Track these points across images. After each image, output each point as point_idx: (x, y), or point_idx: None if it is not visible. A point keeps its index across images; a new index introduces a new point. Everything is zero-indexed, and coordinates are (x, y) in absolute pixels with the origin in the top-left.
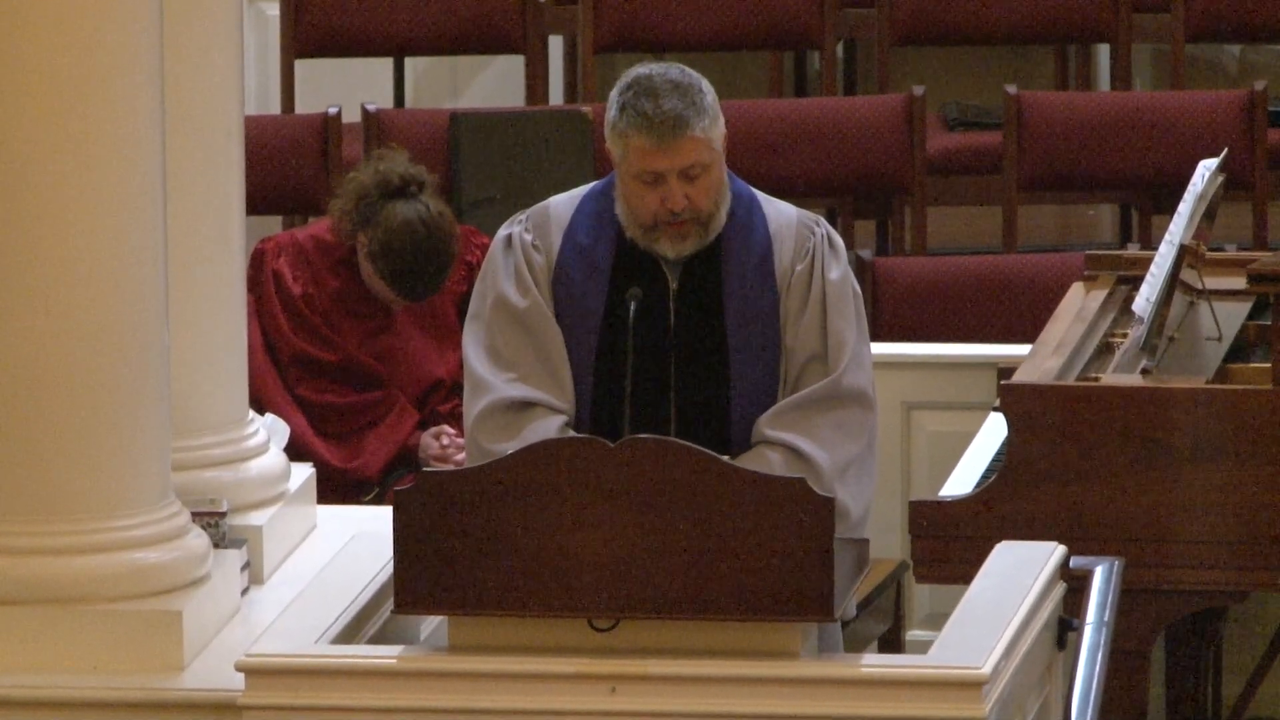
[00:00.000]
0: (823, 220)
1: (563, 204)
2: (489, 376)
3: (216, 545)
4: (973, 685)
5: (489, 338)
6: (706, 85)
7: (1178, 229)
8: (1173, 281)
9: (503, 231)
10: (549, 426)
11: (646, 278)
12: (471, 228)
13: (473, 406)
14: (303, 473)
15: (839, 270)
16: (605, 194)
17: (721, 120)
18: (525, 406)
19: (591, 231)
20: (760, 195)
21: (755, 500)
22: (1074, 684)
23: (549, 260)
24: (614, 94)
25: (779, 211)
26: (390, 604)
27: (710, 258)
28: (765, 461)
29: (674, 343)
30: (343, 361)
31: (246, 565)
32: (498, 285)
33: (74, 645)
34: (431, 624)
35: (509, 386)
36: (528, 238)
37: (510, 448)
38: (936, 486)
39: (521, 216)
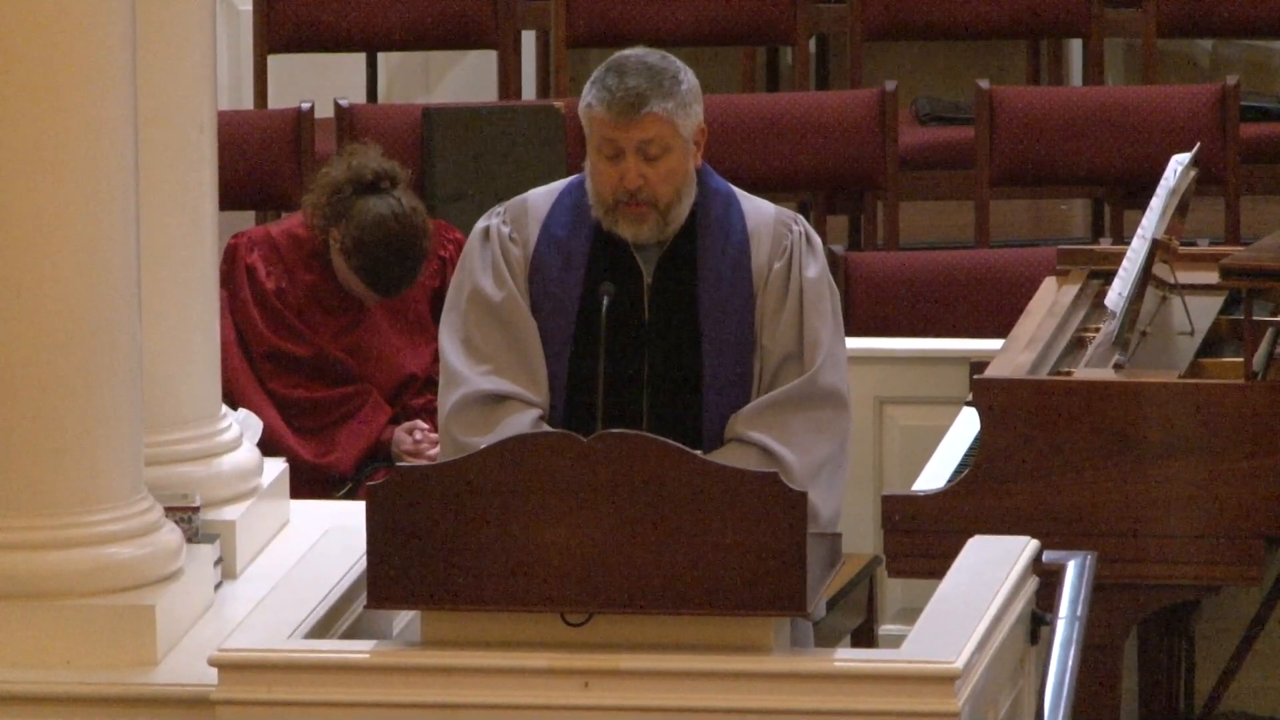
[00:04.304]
0: (801, 218)
1: (541, 197)
2: (464, 369)
3: (189, 540)
4: (945, 680)
5: (464, 330)
6: (687, 75)
7: (1150, 224)
8: (1145, 276)
9: (481, 224)
10: (523, 420)
11: (622, 272)
12: (444, 222)
13: (447, 399)
14: (276, 468)
15: (816, 269)
16: (582, 186)
17: (696, 111)
18: (499, 400)
19: (568, 224)
20: (739, 192)
21: (728, 495)
22: (1047, 678)
23: (526, 253)
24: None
25: (757, 209)
26: (363, 599)
27: (686, 253)
28: (739, 460)
29: (648, 337)
30: (315, 356)
31: (219, 560)
32: (474, 278)
33: (46, 640)
34: (404, 619)
35: (484, 379)
36: (505, 230)
37: (484, 441)
38: (909, 481)
39: (500, 209)
